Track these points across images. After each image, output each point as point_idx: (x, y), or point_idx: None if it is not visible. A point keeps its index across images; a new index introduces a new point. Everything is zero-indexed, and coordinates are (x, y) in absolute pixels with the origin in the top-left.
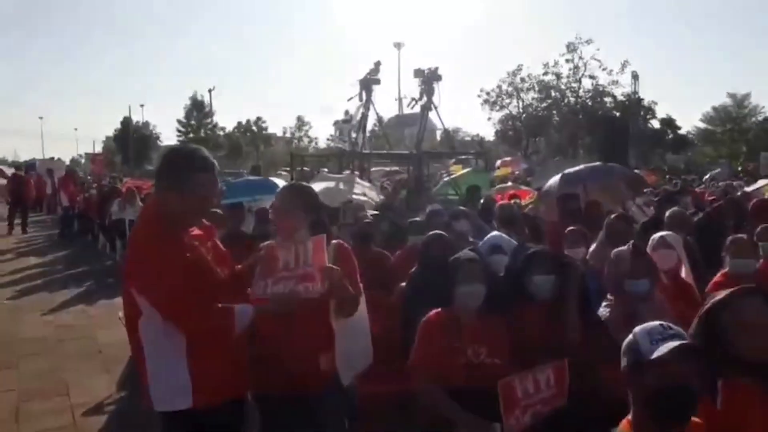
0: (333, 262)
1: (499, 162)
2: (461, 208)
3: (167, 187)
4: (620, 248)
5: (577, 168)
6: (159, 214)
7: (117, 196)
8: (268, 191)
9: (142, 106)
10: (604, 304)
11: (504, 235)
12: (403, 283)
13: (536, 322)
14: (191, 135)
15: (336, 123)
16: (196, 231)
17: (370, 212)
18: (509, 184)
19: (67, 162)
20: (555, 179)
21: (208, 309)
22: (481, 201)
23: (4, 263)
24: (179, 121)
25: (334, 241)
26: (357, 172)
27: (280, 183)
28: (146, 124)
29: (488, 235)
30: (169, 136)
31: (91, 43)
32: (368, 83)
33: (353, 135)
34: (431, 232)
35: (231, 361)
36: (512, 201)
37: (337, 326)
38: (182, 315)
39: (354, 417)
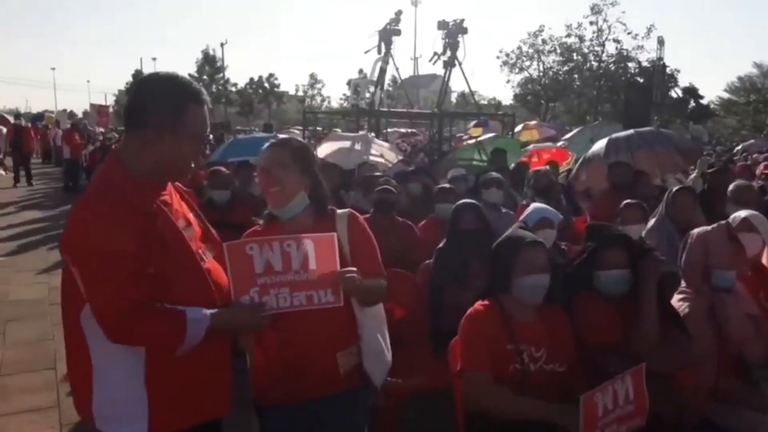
0: (347, 237)
1: (520, 126)
2: (493, 174)
3: (156, 125)
4: (707, 230)
5: (626, 133)
6: (120, 167)
7: None
8: None
9: (154, 59)
10: (678, 296)
11: (549, 207)
12: (429, 261)
13: (603, 320)
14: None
15: (350, 81)
16: (174, 198)
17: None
18: (548, 144)
19: (80, 114)
20: (600, 145)
21: (151, 310)
22: (511, 166)
23: (5, 216)
24: (191, 75)
25: (342, 211)
26: (372, 133)
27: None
28: None
29: (532, 207)
30: None
31: None
32: (388, 34)
33: (370, 91)
34: (462, 201)
35: (205, 376)
36: (547, 166)
37: (361, 317)
38: (109, 310)
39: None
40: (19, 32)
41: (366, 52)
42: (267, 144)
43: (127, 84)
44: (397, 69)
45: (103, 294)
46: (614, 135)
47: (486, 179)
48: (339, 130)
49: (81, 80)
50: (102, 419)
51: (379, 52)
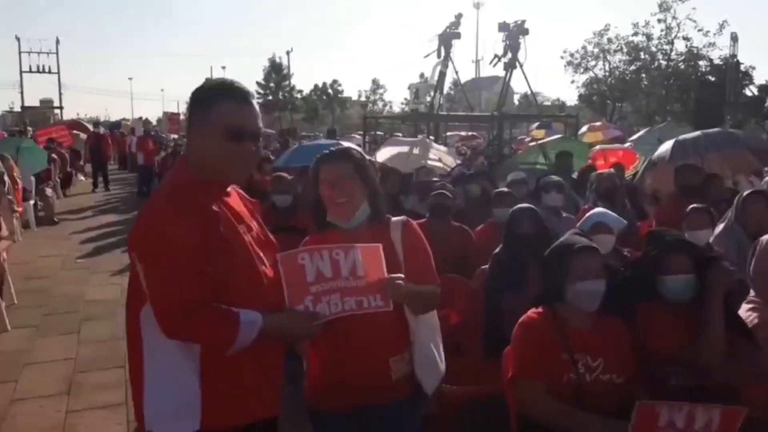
0: (401, 244)
1: (585, 127)
2: (553, 177)
3: (190, 129)
4: None
5: (692, 135)
6: (186, 168)
7: None
8: None
9: (223, 68)
10: (746, 306)
11: (609, 211)
12: (485, 266)
13: (667, 329)
14: (270, 97)
15: (411, 85)
16: (236, 202)
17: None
18: (615, 145)
19: (154, 122)
20: (666, 147)
21: (207, 308)
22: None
23: (84, 220)
24: (258, 83)
25: (397, 219)
26: (431, 137)
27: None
28: None
29: (592, 211)
30: None
31: (175, 4)
32: (448, 38)
33: (430, 95)
34: (518, 205)
35: (257, 376)
36: (612, 169)
37: (414, 324)
38: (168, 305)
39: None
40: (101, 45)
41: (425, 57)
42: (325, 154)
43: None
44: (456, 72)
45: (163, 288)
46: (681, 137)
47: (546, 183)
48: (401, 134)
49: (156, 89)
50: (152, 418)
51: (439, 56)
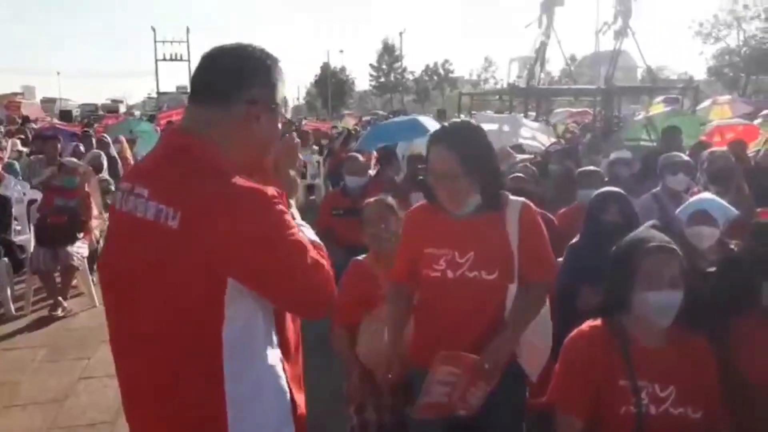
0: (517, 232)
1: (708, 101)
2: (680, 156)
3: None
4: None
5: None
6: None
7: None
8: (418, 133)
9: (341, 51)
10: None
11: (715, 197)
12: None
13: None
14: (382, 79)
15: (512, 60)
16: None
17: (522, 157)
18: (735, 120)
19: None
20: None
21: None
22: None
23: None
24: (371, 65)
25: (517, 200)
26: (528, 114)
27: (428, 123)
28: (343, 69)
29: (695, 197)
30: (362, 81)
31: None
32: (549, 5)
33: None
34: (604, 189)
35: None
36: (725, 147)
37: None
38: (318, 288)
39: None
40: (229, 33)
41: (526, 26)
42: (437, 134)
43: (315, 76)
44: (559, 42)
45: (305, 271)
46: None
47: (672, 162)
48: (490, 112)
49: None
50: None
51: (540, 25)
